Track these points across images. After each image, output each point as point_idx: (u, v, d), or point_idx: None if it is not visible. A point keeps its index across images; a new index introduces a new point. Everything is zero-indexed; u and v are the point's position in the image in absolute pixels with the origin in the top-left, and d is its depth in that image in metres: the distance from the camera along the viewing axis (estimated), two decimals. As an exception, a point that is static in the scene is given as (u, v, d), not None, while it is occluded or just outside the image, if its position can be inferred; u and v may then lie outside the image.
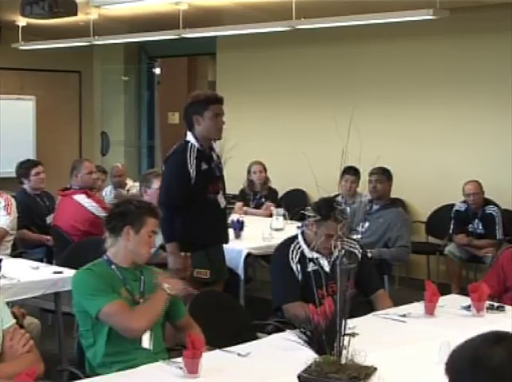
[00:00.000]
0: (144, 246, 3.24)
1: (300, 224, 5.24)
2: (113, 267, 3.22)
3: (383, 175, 6.11)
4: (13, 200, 5.89)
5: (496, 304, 3.76)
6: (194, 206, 4.34)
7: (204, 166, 4.38)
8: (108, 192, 7.75)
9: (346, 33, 7.54)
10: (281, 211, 6.47)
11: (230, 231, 5.25)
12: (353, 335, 2.56)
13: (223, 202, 4.52)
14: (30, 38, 8.82)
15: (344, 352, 2.53)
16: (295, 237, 4.01)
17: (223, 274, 4.60)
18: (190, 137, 4.40)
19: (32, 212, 6.41)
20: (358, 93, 7.91)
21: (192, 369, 2.74)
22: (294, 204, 7.26)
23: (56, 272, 4.52)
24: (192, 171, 4.31)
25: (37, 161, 7.00)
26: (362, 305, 3.83)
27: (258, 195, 7.39)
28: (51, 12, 6.57)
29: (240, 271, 5.34)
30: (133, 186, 7.65)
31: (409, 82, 7.67)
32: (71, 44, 8.67)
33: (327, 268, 3.83)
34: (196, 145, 4.36)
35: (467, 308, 3.66)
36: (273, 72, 8.83)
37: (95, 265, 3.24)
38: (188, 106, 4.43)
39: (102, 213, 5.48)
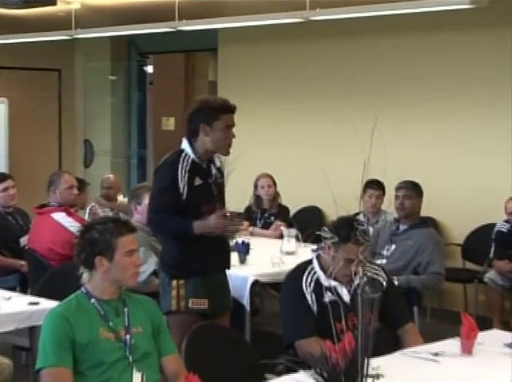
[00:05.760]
0: (125, 269, 3.24)
1: (315, 246, 5.24)
2: (92, 300, 3.23)
3: (412, 190, 6.11)
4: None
5: (545, 341, 3.75)
6: None
7: (198, 182, 4.33)
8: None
9: (367, 26, 7.57)
10: (293, 231, 6.47)
11: (234, 256, 5.23)
12: (377, 376, 2.57)
13: None
14: (2, 31, 8.88)
15: (367, 396, 2.53)
16: (309, 262, 4.01)
17: (227, 305, 4.57)
18: (186, 145, 4.36)
19: (4, 233, 6.43)
20: (381, 95, 7.94)
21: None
22: (308, 223, 7.27)
23: (31, 303, 4.52)
24: (183, 186, 4.26)
25: (6, 174, 6.99)
26: (388, 342, 3.83)
27: (267, 213, 7.39)
28: (26, 1, 6.64)
29: (245, 302, 5.34)
30: (123, 202, 7.64)
31: (441, 81, 7.68)
32: (50, 37, 8.71)
33: (346, 298, 3.83)
34: (192, 156, 4.32)
35: (511, 345, 3.66)
36: (283, 70, 8.86)
37: (74, 299, 3.25)
38: (194, 112, 4.37)
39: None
